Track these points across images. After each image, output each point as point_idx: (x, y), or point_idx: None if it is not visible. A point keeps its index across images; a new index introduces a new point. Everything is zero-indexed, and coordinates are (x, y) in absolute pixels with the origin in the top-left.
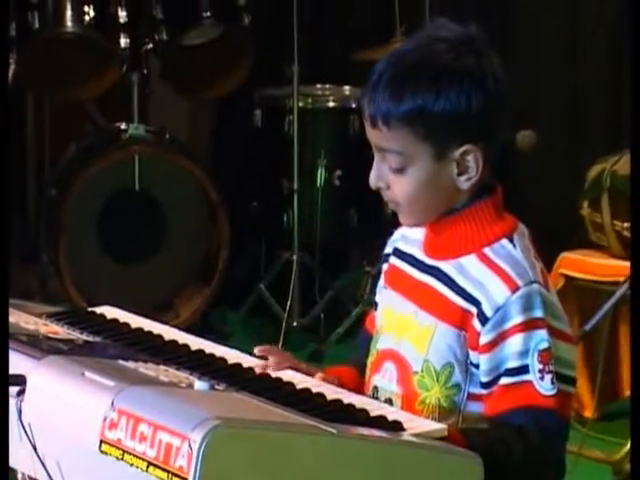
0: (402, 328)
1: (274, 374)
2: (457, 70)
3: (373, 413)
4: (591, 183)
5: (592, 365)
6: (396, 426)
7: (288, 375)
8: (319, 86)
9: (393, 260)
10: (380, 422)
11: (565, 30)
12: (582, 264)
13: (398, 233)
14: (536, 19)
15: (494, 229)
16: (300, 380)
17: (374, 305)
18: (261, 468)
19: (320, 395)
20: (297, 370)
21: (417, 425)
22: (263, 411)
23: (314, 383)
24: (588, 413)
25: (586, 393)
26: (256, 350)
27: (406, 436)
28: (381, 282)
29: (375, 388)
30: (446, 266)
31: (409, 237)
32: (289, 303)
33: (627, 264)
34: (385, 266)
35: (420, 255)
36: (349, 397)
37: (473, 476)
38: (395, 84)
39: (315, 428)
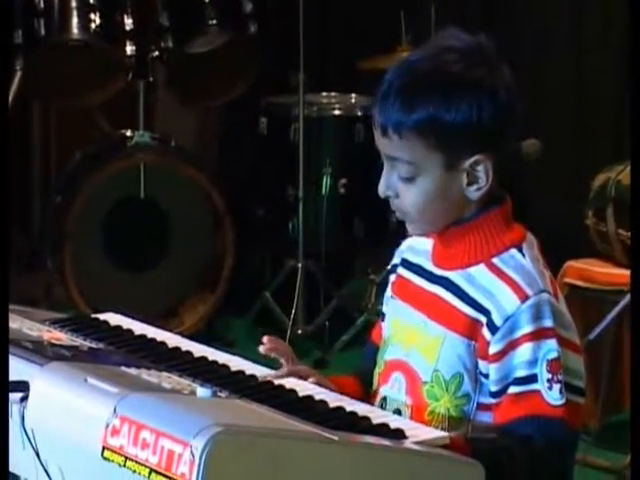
0: (411, 338)
1: (277, 381)
2: (468, 80)
3: (375, 421)
4: (596, 192)
5: (596, 374)
6: (398, 434)
7: (291, 382)
8: (325, 94)
9: (401, 271)
10: (382, 430)
11: (570, 39)
12: (587, 273)
13: (405, 244)
14: (541, 28)
15: (503, 239)
16: (303, 387)
17: (381, 316)
18: (263, 475)
19: (322, 402)
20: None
21: (419, 433)
22: (265, 418)
23: (317, 390)
24: (592, 422)
25: (590, 402)
26: (265, 340)
27: (408, 444)
28: (388, 292)
29: (384, 399)
30: (455, 276)
31: (416, 248)
32: (294, 311)
33: None
34: (393, 277)
35: (428, 266)
36: (351, 405)
37: None
38: (406, 93)
39: (317, 435)
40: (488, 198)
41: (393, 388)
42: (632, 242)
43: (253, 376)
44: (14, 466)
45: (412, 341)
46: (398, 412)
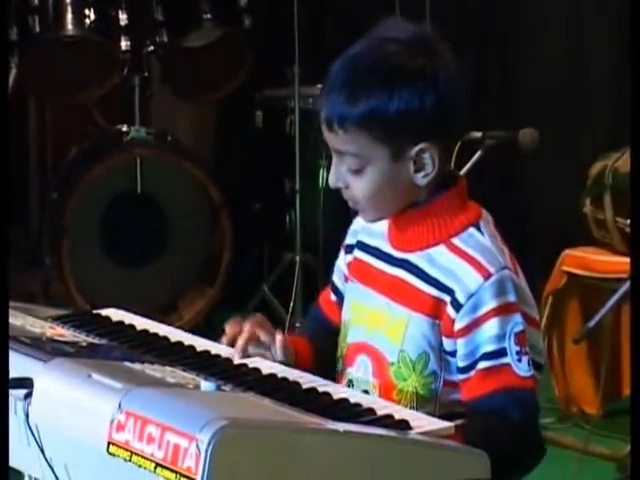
0: (374, 321)
1: (280, 374)
2: (409, 69)
3: (380, 412)
4: (593, 181)
5: (596, 362)
6: (403, 425)
7: (294, 374)
8: (320, 86)
9: (357, 253)
10: (387, 421)
11: (566, 28)
12: (585, 261)
13: (359, 224)
14: (538, 17)
15: (460, 218)
16: (306, 380)
17: (330, 285)
18: (269, 468)
19: (326, 394)
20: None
21: (424, 424)
22: (270, 411)
23: (320, 382)
24: (592, 410)
25: (590, 390)
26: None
27: (413, 434)
28: (341, 265)
29: (350, 382)
30: (415, 258)
31: (372, 229)
32: (292, 304)
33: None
34: (349, 258)
35: (386, 248)
36: (355, 396)
37: (480, 473)
38: (349, 87)
39: (322, 427)
40: (441, 180)
41: (359, 371)
42: (632, 231)
43: (256, 369)
44: (19, 463)
45: (375, 324)
46: (366, 393)
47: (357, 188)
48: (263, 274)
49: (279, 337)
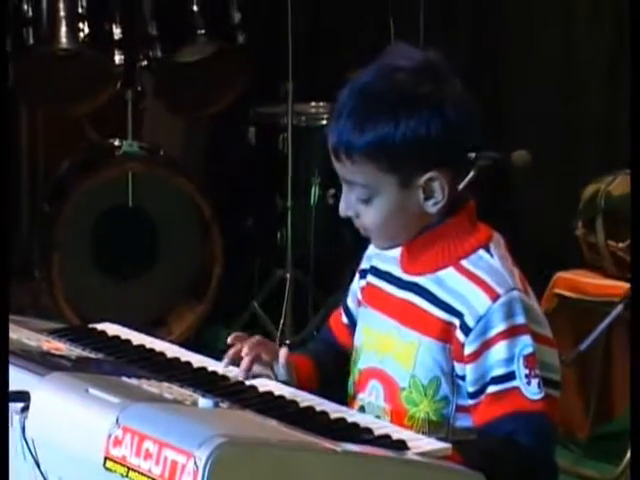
0: (384, 346)
1: (278, 392)
2: (415, 99)
3: (377, 432)
4: (585, 203)
5: (586, 386)
6: (400, 445)
7: (292, 393)
8: (313, 104)
9: (370, 278)
10: (384, 441)
11: (559, 49)
12: (577, 284)
13: (373, 250)
14: (530, 38)
15: (470, 241)
16: (304, 398)
17: (342, 305)
18: None
19: (324, 413)
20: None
21: (421, 444)
22: (268, 429)
23: (317, 401)
24: (581, 434)
25: (579, 414)
26: (229, 339)
27: (410, 455)
28: (355, 288)
29: (362, 407)
30: (424, 281)
31: (385, 254)
32: (282, 321)
33: (621, 284)
34: (362, 282)
35: (397, 272)
36: (352, 416)
37: None
38: (356, 116)
39: (320, 446)
40: (451, 204)
41: (371, 396)
42: (632, 252)
43: (253, 387)
44: (14, 476)
45: (386, 348)
46: (378, 419)
47: (367, 217)
48: (253, 290)
49: (283, 352)
